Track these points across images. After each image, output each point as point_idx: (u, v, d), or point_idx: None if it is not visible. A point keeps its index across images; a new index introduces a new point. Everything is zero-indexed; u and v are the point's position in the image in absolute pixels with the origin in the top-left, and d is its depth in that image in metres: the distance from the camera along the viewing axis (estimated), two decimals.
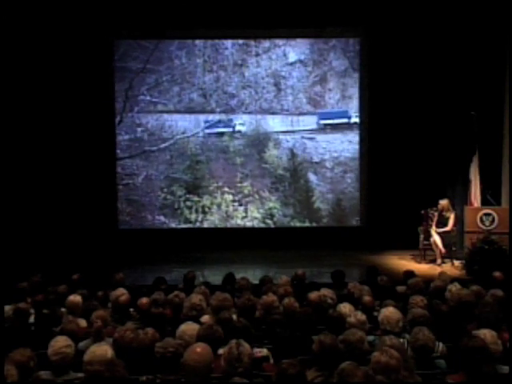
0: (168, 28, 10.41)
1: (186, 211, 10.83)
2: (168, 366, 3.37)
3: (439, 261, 9.17)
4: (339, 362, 3.23)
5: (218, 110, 10.85)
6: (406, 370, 3.25)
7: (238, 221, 10.84)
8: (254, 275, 6.74)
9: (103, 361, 3.31)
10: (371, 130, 10.63)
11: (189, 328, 3.93)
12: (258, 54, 10.80)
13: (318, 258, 9.36)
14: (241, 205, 10.85)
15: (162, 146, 10.84)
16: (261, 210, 10.86)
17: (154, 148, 10.84)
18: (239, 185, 10.88)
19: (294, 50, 10.82)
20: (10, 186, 9.28)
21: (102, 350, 3.43)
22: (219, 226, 10.73)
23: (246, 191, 10.87)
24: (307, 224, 10.83)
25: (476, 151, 9.43)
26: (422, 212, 9.60)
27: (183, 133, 10.85)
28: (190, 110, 10.84)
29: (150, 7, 9.99)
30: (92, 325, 4.32)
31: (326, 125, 10.80)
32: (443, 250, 9.12)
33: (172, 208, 10.85)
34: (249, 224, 10.85)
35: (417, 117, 10.14)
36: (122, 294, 5.00)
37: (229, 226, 10.79)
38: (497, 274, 6.03)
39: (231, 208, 10.85)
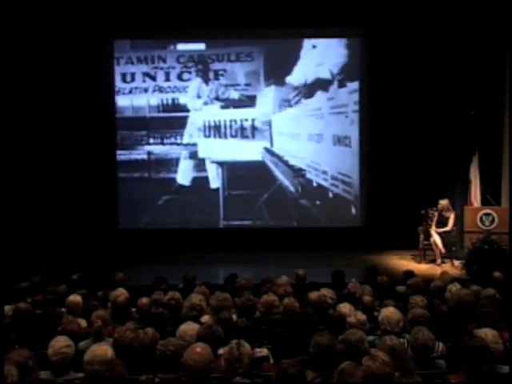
0: (168, 28, 10.40)
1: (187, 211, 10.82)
2: (167, 365, 3.37)
3: (439, 261, 9.18)
4: (336, 362, 3.22)
5: None
6: (405, 371, 3.25)
7: (239, 221, 10.84)
8: (254, 275, 6.72)
9: (103, 361, 3.31)
10: (371, 129, 10.63)
11: (189, 328, 3.93)
12: None
13: (318, 258, 9.36)
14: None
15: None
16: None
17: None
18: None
19: None
20: (9, 186, 9.28)
21: (102, 349, 3.43)
22: (220, 226, 10.70)
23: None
24: (307, 224, 10.80)
25: (476, 151, 9.44)
26: (422, 212, 9.61)
27: None
28: None
29: (150, 7, 9.99)
30: (92, 325, 4.32)
31: None
32: (443, 250, 9.13)
33: (172, 207, 10.84)
34: (249, 224, 10.85)
35: (417, 117, 10.14)
36: (120, 294, 5.00)
37: (229, 226, 10.77)
38: (497, 274, 6.03)
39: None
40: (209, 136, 10.86)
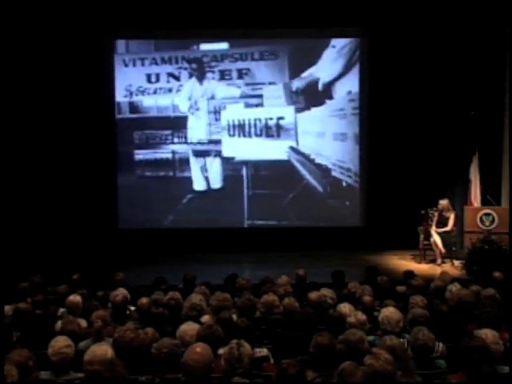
0: (167, 28, 10.41)
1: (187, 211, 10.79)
2: (164, 366, 3.37)
3: (439, 261, 9.18)
4: (336, 362, 3.22)
5: None
6: (405, 371, 3.25)
7: (239, 221, 10.81)
8: (254, 275, 6.73)
9: (103, 361, 3.31)
10: (371, 129, 10.63)
11: (189, 328, 3.93)
12: None
13: (318, 258, 9.35)
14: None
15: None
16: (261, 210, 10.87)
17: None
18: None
19: None
20: (10, 185, 9.28)
21: (102, 349, 3.43)
22: (219, 226, 10.70)
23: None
24: (307, 224, 10.79)
25: (476, 151, 9.44)
26: (422, 212, 9.61)
27: None
28: None
29: (150, 7, 9.99)
30: (92, 325, 4.32)
31: None
32: (443, 250, 9.13)
33: (173, 207, 10.83)
34: (249, 224, 10.83)
35: (417, 117, 10.15)
36: (118, 293, 5.00)
37: (229, 226, 10.75)
38: (497, 274, 6.03)
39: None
40: (233, 135, 10.85)
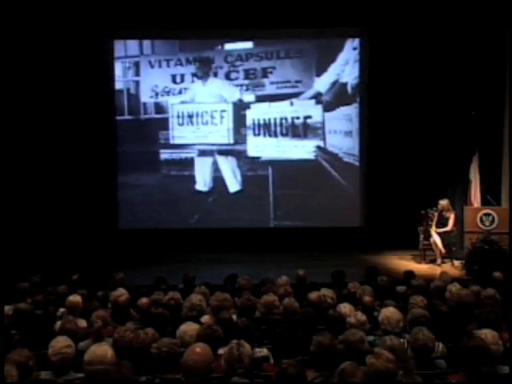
0: (168, 28, 10.41)
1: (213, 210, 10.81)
2: (164, 366, 3.37)
3: (439, 261, 9.18)
4: (337, 362, 3.23)
5: None
6: (405, 370, 3.26)
7: (239, 221, 10.81)
8: (254, 276, 6.72)
9: (103, 361, 3.31)
10: (371, 129, 10.63)
11: (189, 328, 3.93)
12: None
13: (318, 258, 9.36)
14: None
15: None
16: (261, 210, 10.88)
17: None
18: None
19: None
20: (10, 185, 9.29)
21: (102, 349, 3.43)
22: (219, 227, 10.69)
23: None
24: (307, 224, 10.77)
25: (476, 151, 9.45)
26: (422, 212, 9.61)
27: None
28: None
29: (150, 7, 9.99)
30: (92, 325, 4.32)
31: None
32: (443, 250, 9.13)
33: (199, 206, 10.85)
34: (249, 224, 10.81)
35: (417, 116, 10.14)
36: (121, 294, 4.99)
37: (229, 226, 10.74)
38: (497, 274, 6.03)
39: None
40: (258, 135, 10.81)
